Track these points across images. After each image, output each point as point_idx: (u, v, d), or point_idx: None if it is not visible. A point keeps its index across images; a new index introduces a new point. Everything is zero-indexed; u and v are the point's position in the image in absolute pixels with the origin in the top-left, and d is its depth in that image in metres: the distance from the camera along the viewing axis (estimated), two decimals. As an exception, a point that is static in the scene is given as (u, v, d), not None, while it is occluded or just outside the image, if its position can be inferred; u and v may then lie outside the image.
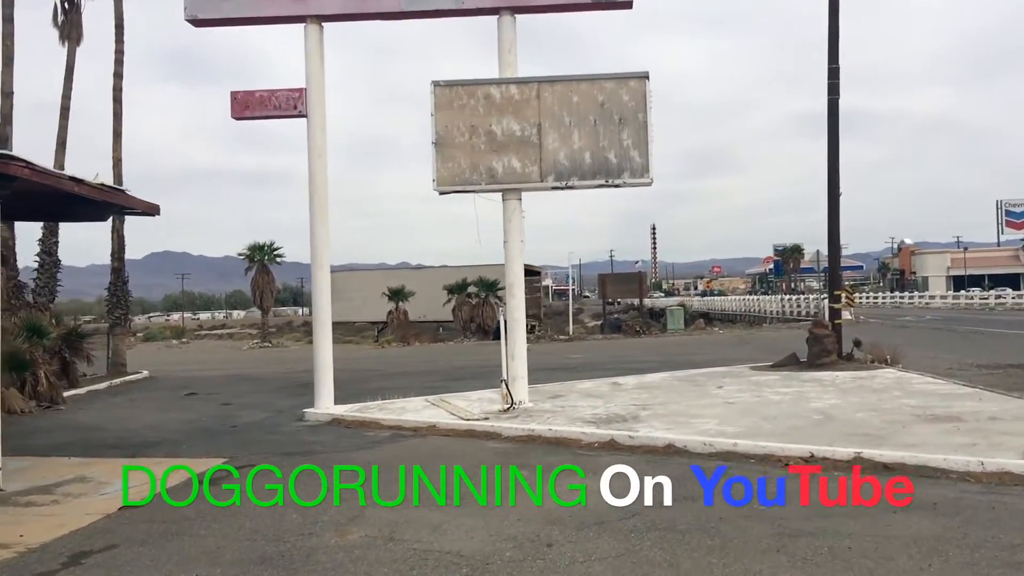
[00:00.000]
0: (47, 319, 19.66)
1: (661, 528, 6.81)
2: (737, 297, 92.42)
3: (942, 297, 71.01)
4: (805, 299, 58.89)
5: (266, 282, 48.86)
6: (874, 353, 19.15)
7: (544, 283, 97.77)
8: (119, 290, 26.01)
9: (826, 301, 23.71)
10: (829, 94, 19.65)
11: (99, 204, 10.86)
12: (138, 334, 67.65)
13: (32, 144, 25.22)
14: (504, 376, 14.01)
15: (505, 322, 14.58)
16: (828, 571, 5.75)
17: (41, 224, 23.30)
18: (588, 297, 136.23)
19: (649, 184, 14.03)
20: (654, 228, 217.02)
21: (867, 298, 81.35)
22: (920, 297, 74.53)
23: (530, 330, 46.17)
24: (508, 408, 13.43)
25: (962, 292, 74.65)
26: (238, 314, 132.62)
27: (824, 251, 22.46)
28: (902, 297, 78.30)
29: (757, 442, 9.90)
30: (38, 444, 12.42)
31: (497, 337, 14.75)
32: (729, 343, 33.39)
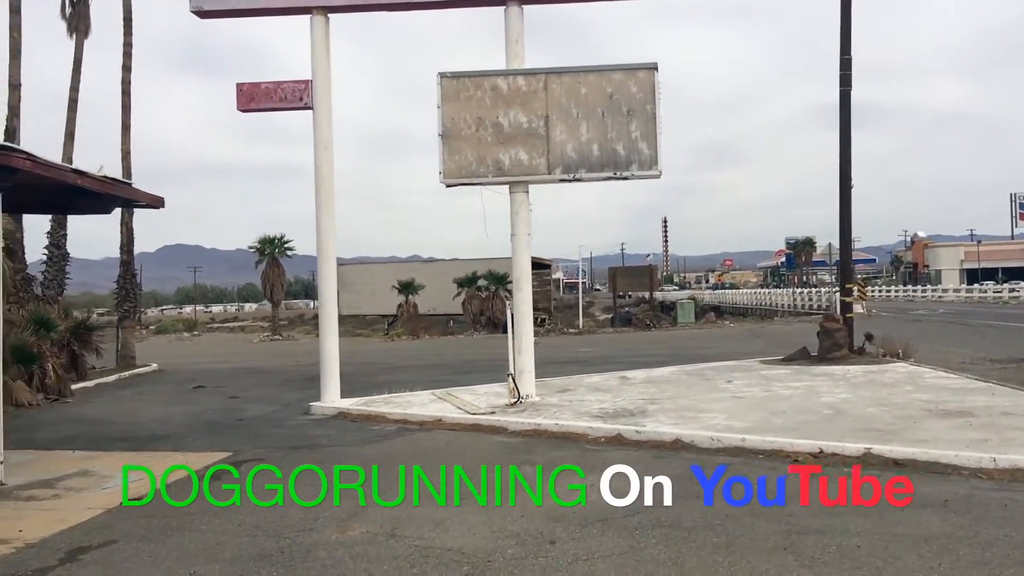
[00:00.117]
0: (55, 312, 19.66)
1: (666, 525, 6.69)
2: (748, 290, 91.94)
3: (955, 290, 70.56)
4: (817, 292, 58.60)
5: (276, 275, 48.86)
6: (886, 347, 18.98)
7: (555, 276, 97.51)
8: (128, 283, 26.03)
9: (838, 294, 23.52)
10: (841, 85, 19.45)
11: (103, 196, 10.82)
12: (151, 327, 67.90)
13: (41, 137, 25.21)
14: (511, 370, 13.91)
15: (512, 316, 14.47)
16: (836, 570, 5.63)
17: (49, 217, 23.31)
18: (599, 290, 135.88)
19: (658, 176, 13.89)
20: (665, 221, 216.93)
21: (880, 291, 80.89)
22: (933, 290, 74.09)
23: (540, 323, 46.13)
24: (515, 402, 13.34)
25: (975, 285, 74.09)
26: (250, 307, 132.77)
27: (836, 244, 22.26)
28: (915, 290, 77.87)
29: (765, 437, 9.78)
30: (43, 437, 12.41)
31: (507, 330, 14.65)
32: (740, 336, 33.21)
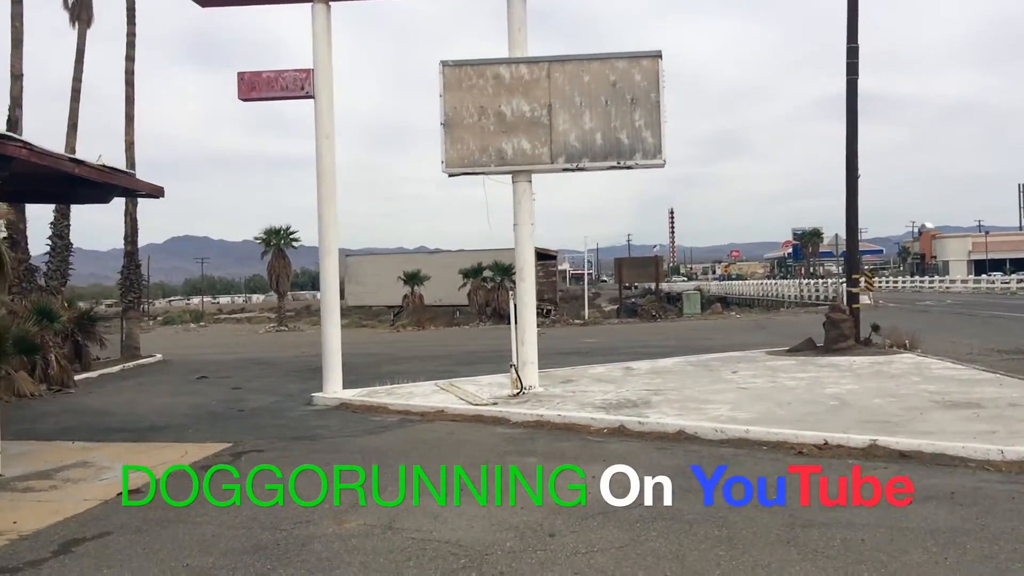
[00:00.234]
0: (59, 302, 19.63)
1: (667, 518, 6.59)
2: (755, 281, 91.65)
3: (963, 281, 70.20)
4: (823, 283, 58.33)
5: (282, 266, 48.81)
6: (892, 338, 18.84)
7: (561, 267, 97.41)
8: (132, 274, 26.02)
9: (844, 285, 23.37)
10: (848, 74, 19.28)
11: (101, 186, 10.73)
12: (158, 318, 68.02)
13: (45, 128, 25.17)
14: (514, 361, 13.82)
15: (515, 306, 14.38)
16: (840, 564, 5.52)
17: (53, 207, 23.27)
18: (605, 281, 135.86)
19: (662, 166, 13.75)
20: (672, 212, 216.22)
21: (887, 282, 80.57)
22: (940, 281, 73.74)
23: (546, 314, 46.06)
24: (518, 393, 13.25)
25: (983, 276, 73.70)
26: (257, 298, 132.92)
27: (843, 235, 22.09)
28: (922, 281, 77.51)
29: (770, 428, 9.67)
30: (44, 428, 12.37)
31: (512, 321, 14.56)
32: (746, 327, 33.07)
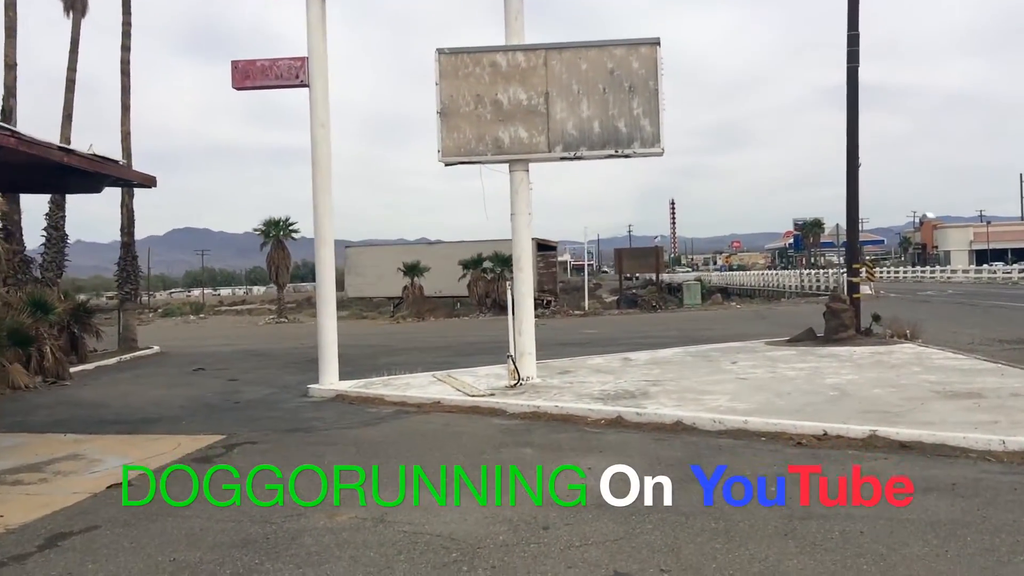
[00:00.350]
0: (54, 294, 19.52)
1: (663, 511, 6.49)
2: (756, 272, 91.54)
3: (964, 271, 70.04)
4: (824, 273, 58.20)
5: (281, 258, 48.65)
6: (893, 328, 18.72)
7: (562, 258, 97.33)
8: (129, 265, 25.89)
9: (845, 275, 23.24)
10: (849, 62, 19.11)
11: (92, 175, 10.61)
12: (158, 309, 67.93)
13: (41, 119, 25.02)
14: (511, 352, 13.71)
15: (512, 297, 14.26)
16: (839, 557, 5.41)
17: (48, 199, 23.17)
18: (607, 272, 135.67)
19: (660, 154, 13.62)
20: (673, 203, 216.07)
21: (888, 272, 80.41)
22: (942, 271, 73.55)
23: (546, 305, 45.95)
24: (515, 384, 13.15)
25: (985, 266, 73.60)
26: (258, 290, 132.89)
27: (844, 225, 21.96)
28: (923, 271, 77.33)
29: (769, 419, 9.56)
30: (37, 420, 12.28)
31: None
32: (746, 318, 32.96)
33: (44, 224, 23.77)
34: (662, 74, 13.54)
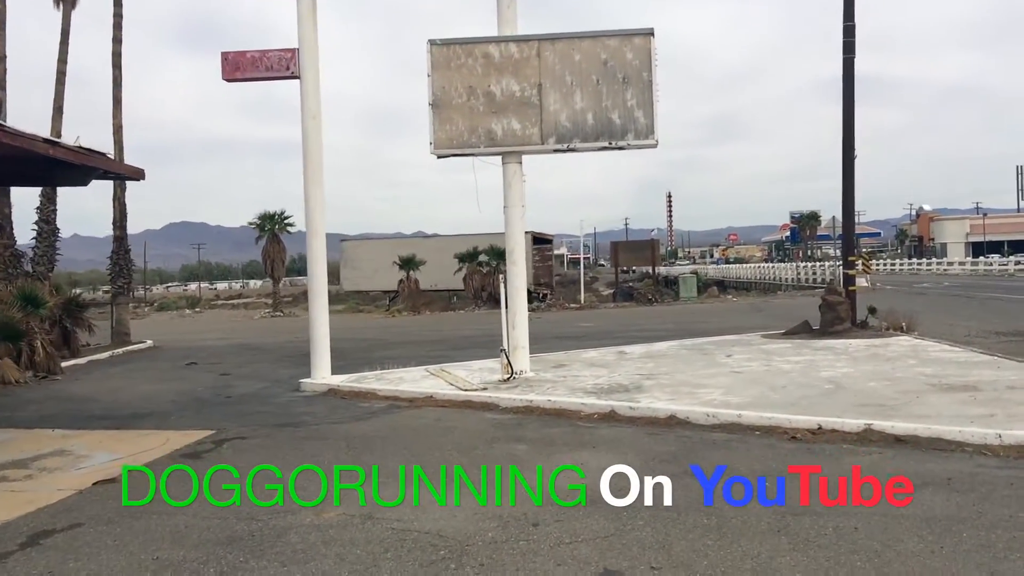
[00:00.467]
0: (45, 288, 19.38)
1: (655, 507, 6.39)
2: (752, 265, 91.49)
3: (960, 264, 70.02)
4: (821, 266, 58.16)
5: (277, 251, 48.47)
6: (889, 320, 18.65)
7: (559, 252, 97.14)
8: (121, 259, 25.72)
9: (841, 268, 23.16)
10: (844, 52, 19.00)
11: (79, 167, 10.48)
12: (154, 303, 67.75)
13: (32, 112, 24.83)
14: (504, 346, 13.61)
15: (506, 290, 14.16)
16: (832, 554, 5.32)
17: (39, 192, 23.00)
18: (603, 266, 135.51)
19: (654, 146, 13.50)
20: (670, 196, 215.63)
21: (884, 265, 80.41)
22: (938, 264, 73.56)
23: (542, 299, 45.86)
24: (508, 378, 13.05)
25: (981, 259, 73.54)
26: (255, 284, 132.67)
27: (840, 217, 21.84)
28: (920, 264, 77.34)
29: (763, 413, 9.47)
30: (25, 416, 12.17)
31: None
32: (742, 311, 32.89)
33: (35, 218, 23.59)
34: (656, 65, 13.42)
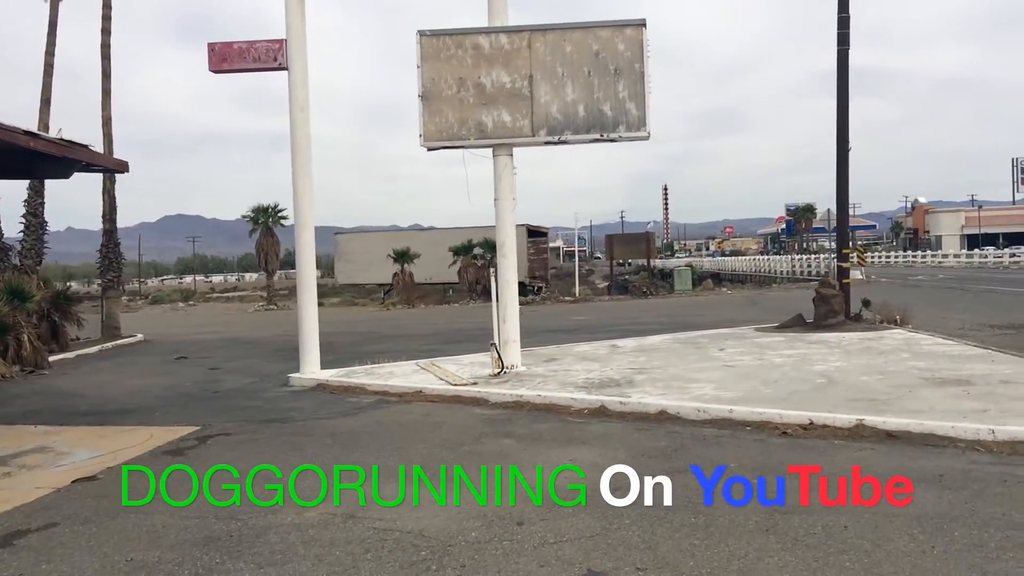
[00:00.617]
0: (33, 282, 19.19)
1: (642, 505, 6.27)
2: (747, 257, 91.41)
3: (956, 256, 70.03)
4: (816, 259, 58.09)
5: (271, 245, 48.33)
6: (883, 313, 18.56)
7: (554, 244, 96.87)
8: (111, 252, 25.51)
9: (835, 260, 23.04)
10: (839, 44, 18.87)
11: (61, 160, 10.32)
12: (148, 296, 67.48)
13: (20, 105, 24.61)
14: (495, 340, 13.49)
15: (496, 284, 14.02)
16: (821, 554, 5.21)
17: (27, 185, 22.80)
18: (599, 258, 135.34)
19: (646, 138, 13.37)
20: (666, 189, 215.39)
21: (879, 257, 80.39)
22: (933, 256, 73.55)
23: (536, 291, 45.74)
24: (499, 373, 12.93)
25: (976, 251, 73.50)
26: (250, 277, 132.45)
27: (835, 210, 21.72)
28: (915, 256, 77.33)
29: (754, 408, 9.35)
30: (9, 411, 12.05)
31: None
32: (737, 304, 32.80)
33: (23, 212, 23.38)
34: (648, 56, 13.28)
